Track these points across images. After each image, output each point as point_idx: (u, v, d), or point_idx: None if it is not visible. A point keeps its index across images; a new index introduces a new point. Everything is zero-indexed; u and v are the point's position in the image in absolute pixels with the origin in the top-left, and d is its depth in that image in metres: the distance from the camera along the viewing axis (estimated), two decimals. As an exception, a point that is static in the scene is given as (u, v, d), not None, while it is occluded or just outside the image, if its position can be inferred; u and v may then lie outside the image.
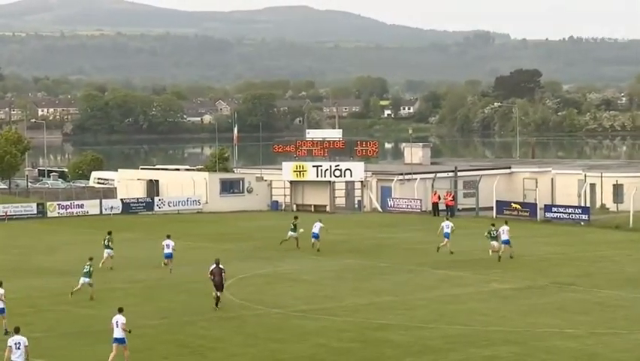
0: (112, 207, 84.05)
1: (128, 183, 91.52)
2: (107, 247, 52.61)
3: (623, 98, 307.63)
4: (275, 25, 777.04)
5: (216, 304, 41.53)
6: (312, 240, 59.42)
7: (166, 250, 51.90)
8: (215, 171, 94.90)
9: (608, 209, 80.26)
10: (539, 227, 69.14)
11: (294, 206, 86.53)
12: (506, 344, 35.17)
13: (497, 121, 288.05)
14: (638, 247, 60.08)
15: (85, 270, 43.98)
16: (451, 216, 78.32)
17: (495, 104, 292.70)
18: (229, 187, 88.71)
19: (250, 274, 45.42)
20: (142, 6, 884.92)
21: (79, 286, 43.83)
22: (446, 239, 57.70)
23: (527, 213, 73.90)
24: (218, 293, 41.63)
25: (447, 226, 58.18)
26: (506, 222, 57.83)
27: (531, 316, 39.98)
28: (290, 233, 59.90)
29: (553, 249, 58.03)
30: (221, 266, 41.69)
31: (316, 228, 59.84)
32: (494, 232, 55.78)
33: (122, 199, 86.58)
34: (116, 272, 50.58)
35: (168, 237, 52.72)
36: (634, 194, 72.23)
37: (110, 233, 53.86)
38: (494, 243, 55.37)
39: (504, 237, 55.56)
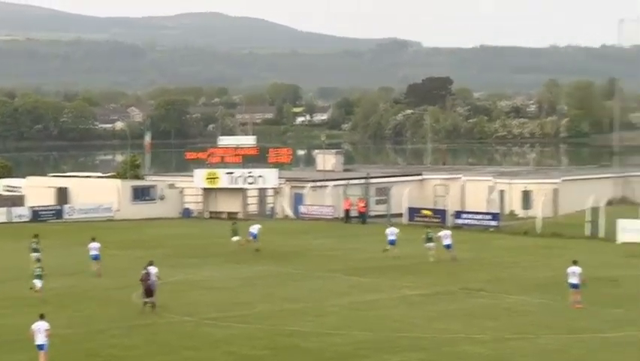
0: (20, 215, 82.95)
1: (37, 190, 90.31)
2: (35, 250, 52.16)
3: (533, 106, 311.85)
4: (188, 32, 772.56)
5: (145, 305, 41.90)
6: (250, 238, 61.85)
7: (93, 252, 52.03)
8: (127, 178, 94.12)
9: (517, 215, 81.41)
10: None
11: (207, 213, 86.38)
12: (416, 350, 35.56)
13: (409, 128, 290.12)
14: (546, 252, 61.07)
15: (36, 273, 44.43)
16: (362, 222, 79.14)
17: (407, 111, 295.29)
18: (141, 194, 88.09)
19: (162, 281, 45.16)
20: (53, 11, 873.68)
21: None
22: (391, 246, 58.40)
23: (438, 220, 74.59)
24: (147, 299, 41.60)
25: (391, 232, 59.19)
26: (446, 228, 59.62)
27: (441, 322, 40.43)
28: (233, 238, 61.65)
29: (463, 255, 58.59)
30: (150, 270, 41.93)
31: (254, 229, 62.33)
32: (430, 234, 57.74)
33: (30, 207, 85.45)
34: (27, 280, 50.00)
35: (93, 239, 52.78)
36: (542, 200, 73.47)
37: (36, 236, 53.41)
38: (430, 245, 57.19)
39: (447, 241, 57.38)
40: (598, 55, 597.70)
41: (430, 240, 57.82)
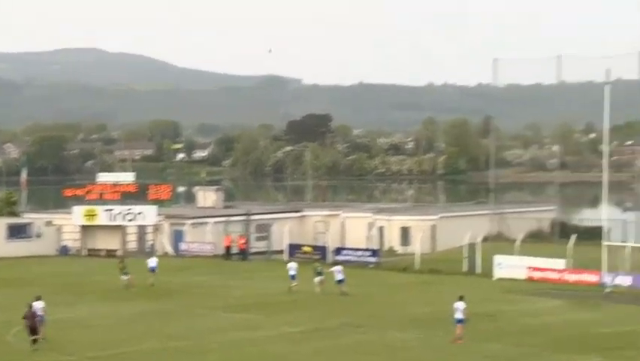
0: None
1: None
2: None
3: (411, 143, 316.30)
4: (66, 67, 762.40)
5: (34, 343, 41.18)
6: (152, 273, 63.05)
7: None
8: (3, 215, 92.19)
9: (396, 251, 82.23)
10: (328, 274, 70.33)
11: (85, 250, 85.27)
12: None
13: (289, 165, 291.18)
14: (425, 288, 61.88)
15: None
16: (243, 259, 79.06)
17: (287, 147, 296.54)
18: (17, 232, 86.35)
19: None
20: None
21: None
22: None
23: (318, 256, 74.88)
24: (33, 337, 40.92)
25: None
26: (338, 263, 62.24)
27: (321, 358, 40.59)
28: (123, 277, 61.71)
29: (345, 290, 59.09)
30: (35, 305, 41.43)
31: (153, 262, 63.84)
32: (319, 268, 59.20)
33: None
34: None
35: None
36: (420, 237, 74.44)
37: None
38: (319, 278, 58.48)
39: (339, 276, 58.29)
40: (473, 93, 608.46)
41: (319, 274, 58.92)
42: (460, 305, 43.22)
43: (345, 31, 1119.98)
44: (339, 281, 58.45)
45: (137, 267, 68.68)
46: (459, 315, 43.11)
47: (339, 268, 59.57)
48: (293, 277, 59.83)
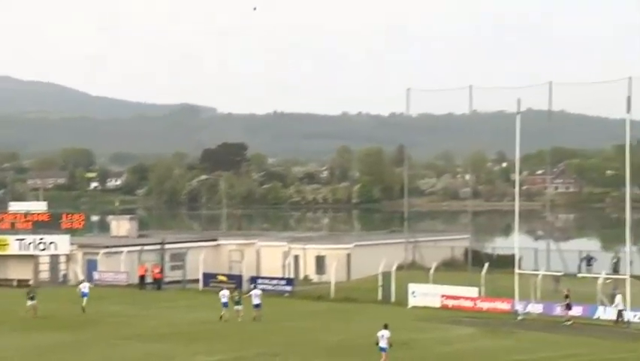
0: None
1: None
2: None
3: (325, 172, 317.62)
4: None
5: None
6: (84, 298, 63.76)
7: None
8: None
9: (311, 280, 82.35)
10: (246, 298, 70.11)
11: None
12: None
13: (204, 193, 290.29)
14: (340, 317, 61.98)
15: None
16: (158, 288, 78.49)
17: (202, 176, 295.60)
18: None
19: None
20: None
21: None
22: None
23: (234, 285, 74.57)
24: None
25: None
26: (255, 287, 64.01)
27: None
28: (28, 302, 61.10)
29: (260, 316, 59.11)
30: None
31: (85, 288, 64.35)
32: (237, 297, 59.24)
33: None
34: None
35: None
36: (335, 265, 74.65)
37: None
38: (239, 307, 58.69)
39: (256, 301, 59.27)
40: (387, 123, 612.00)
41: (238, 303, 59.06)
42: (384, 333, 43.47)
43: (258, 60, 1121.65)
44: (256, 305, 58.84)
45: (49, 296, 68.01)
46: (383, 343, 43.34)
47: (257, 292, 60.31)
48: (225, 304, 59.65)
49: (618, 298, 56.19)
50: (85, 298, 64.07)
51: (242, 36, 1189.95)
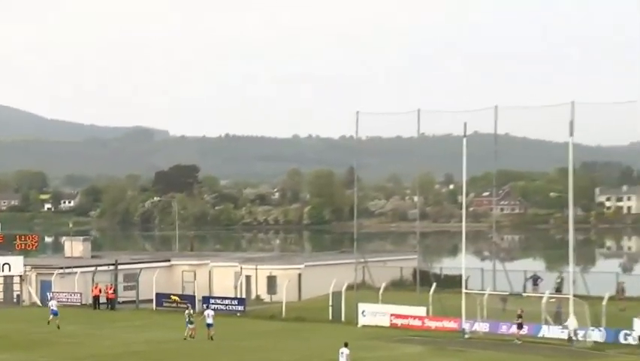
0: None
1: None
2: None
3: (277, 194, 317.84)
4: None
5: None
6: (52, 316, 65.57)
7: None
8: None
9: (262, 300, 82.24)
10: (197, 319, 69.81)
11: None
12: None
13: (157, 215, 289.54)
14: (291, 335, 61.98)
15: None
16: (111, 308, 78.06)
17: (155, 198, 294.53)
18: None
19: None
20: None
21: None
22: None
23: (186, 305, 74.23)
24: None
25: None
26: (208, 307, 63.73)
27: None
28: None
29: (202, 340, 59.03)
30: None
31: (54, 305, 66.55)
32: (190, 318, 59.19)
33: None
34: None
35: None
36: (286, 285, 74.66)
37: None
38: (190, 326, 58.80)
39: (209, 320, 59.11)
40: (337, 145, 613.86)
41: (191, 322, 59.10)
42: (344, 351, 43.71)
43: (210, 83, 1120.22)
44: (209, 325, 58.83)
45: (3, 317, 67.48)
46: (343, 360, 43.58)
47: (210, 312, 60.23)
48: (209, 325, 59.66)
49: (571, 318, 56.45)
50: (56, 317, 65.27)
51: (193, 60, 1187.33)
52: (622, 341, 55.97)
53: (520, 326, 58.06)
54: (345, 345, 44.08)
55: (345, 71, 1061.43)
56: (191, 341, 58.10)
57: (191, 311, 62.01)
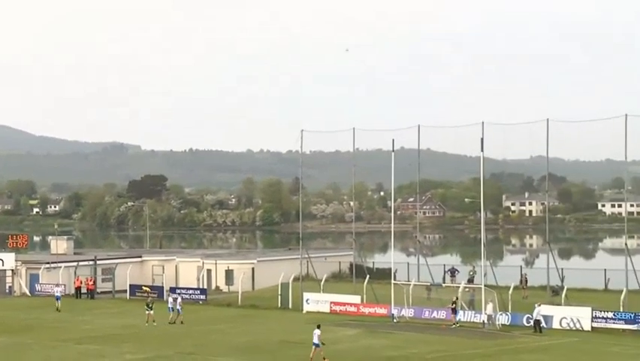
0: None
1: None
2: None
3: (233, 199, 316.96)
4: None
5: None
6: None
7: None
8: None
9: (221, 290, 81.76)
10: (165, 306, 69.04)
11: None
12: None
13: (131, 218, 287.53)
14: (246, 321, 61.66)
15: None
16: (91, 298, 77.13)
17: (129, 203, 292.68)
18: None
19: None
20: None
21: None
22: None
23: (156, 295, 73.69)
24: None
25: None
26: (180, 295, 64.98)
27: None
28: None
29: (178, 325, 58.52)
30: None
31: (58, 292, 67.31)
32: (151, 305, 59.31)
33: None
34: None
35: None
36: (242, 278, 74.31)
37: None
38: (150, 311, 58.76)
39: (178, 307, 59.90)
40: (285, 158, 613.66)
41: (150, 308, 58.88)
42: (316, 332, 43.65)
43: (179, 101, 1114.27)
44: (178, 311, 59.74)
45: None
46: (315, 340, 43.43)
47: (178, 299, 61.20)
48: (170, 309, 60.20)
49: (489, 305, 56.59)
50: (58, 301, 67.18)
51: (156, 82, 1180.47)
52: (525, 323, 56.40)
53: (454, 311, 58.13)
54: (318, 327, 44.00)
55: (291, 93, 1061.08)
56: (161, 325, 57.55)
57: (151, 300, 61.70)
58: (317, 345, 43.56)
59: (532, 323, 55.44)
